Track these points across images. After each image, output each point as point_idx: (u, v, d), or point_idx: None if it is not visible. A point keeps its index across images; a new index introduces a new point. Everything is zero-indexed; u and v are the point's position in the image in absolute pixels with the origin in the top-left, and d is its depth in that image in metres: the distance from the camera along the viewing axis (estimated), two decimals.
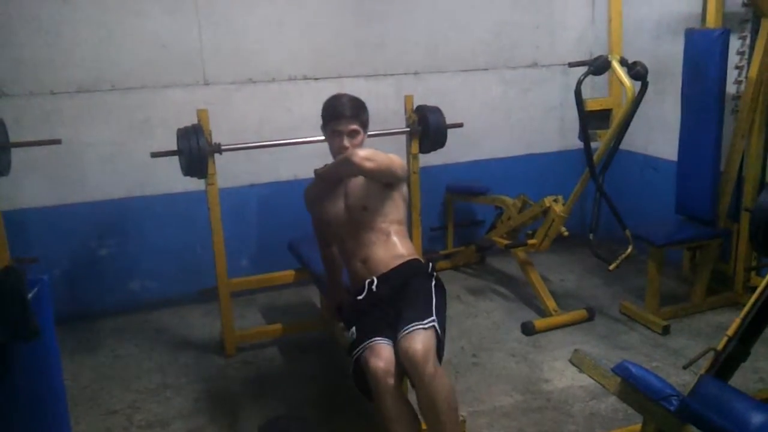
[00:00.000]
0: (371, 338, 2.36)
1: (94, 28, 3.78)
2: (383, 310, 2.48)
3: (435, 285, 2.54)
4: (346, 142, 2.65)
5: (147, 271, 4.18)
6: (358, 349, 2.37)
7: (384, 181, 2.64)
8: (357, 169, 2.54)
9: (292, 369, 3.46)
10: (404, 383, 2.48)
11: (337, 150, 2.69)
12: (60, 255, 3.97)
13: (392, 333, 2.36)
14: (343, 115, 2.66)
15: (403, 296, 2.47)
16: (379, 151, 2.57)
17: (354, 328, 2.44)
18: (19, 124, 3.54)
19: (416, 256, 2.71)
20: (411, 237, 3.68)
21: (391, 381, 2.28)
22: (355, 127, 2.66)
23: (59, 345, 2.29)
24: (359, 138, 2.67)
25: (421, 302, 2.44)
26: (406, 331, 2.29)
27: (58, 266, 3.96)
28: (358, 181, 2.68)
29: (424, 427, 2.43)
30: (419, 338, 2.27)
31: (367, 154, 2.51)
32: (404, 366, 2.28)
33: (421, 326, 2.30)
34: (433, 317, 2.36)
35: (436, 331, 2.33)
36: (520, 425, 2.87)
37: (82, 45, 3.78)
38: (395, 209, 2.70)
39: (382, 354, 2.31)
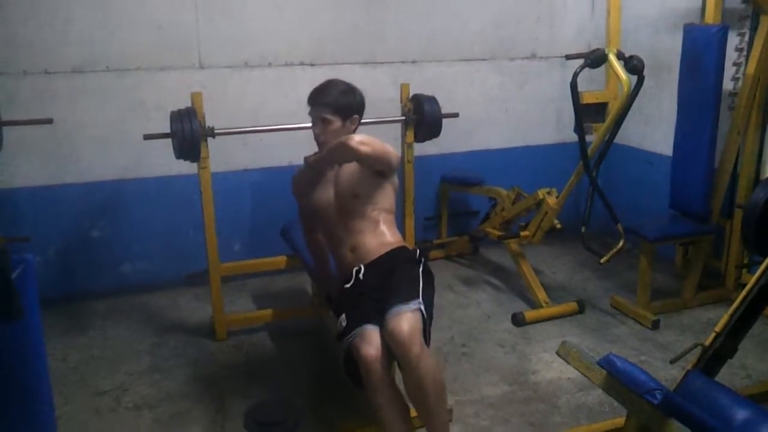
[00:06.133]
0: (361, 325, 2.37)
1: (89, 7, 3.75)
2: (371, 297, 2.48)
3: (422, 271, 2.53)
4: (317, 129, 2.66)
5: (139, 254, 4.17)
6: (348, 337, 2.38)
7: (377, 168, 2.61)
8: (352, 154, 2.50)
9: (282, 354, 3.46)
10: (392, 367, 2.48)
11: (314, 136, 2.69)
12: (52, 235, 3.96)
13: (381, 319, 2.36)
14: (315, 102, 2.66)
15: (389, 282, 2.47)
16: (374, 138, 2.55)
17: (344, 316, 2.45)
18: (12, 103, 3.53)
19: (404, 244, 2.71)
20: (404, 226, 3.70)
21: (382, 368, 2.30)
22: (325, 115, 2.63)
23: (49, 326, 2.30)
24: (332, 127, 2.63)
25: (406, 286, 2.44)
26: (392, 314, 2.30)
27: (50, 246, 3.95)
28: (349, 168, 2.65)
29: (413, 414, 2.44)
30: (404, 318, 2.28)
31: (362, 138, 2.48)
32: (390, 347, 2.29)
33: (406, 308, 2.32)
34: (419, 299, 2.37)
35: (422, 313, 2.34)
36: (507, 415, 2.88)
37: (77, 25, 3.75)
38: (385, 198, 2.68)
39: (372, 341, 2.32)
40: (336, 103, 2.63)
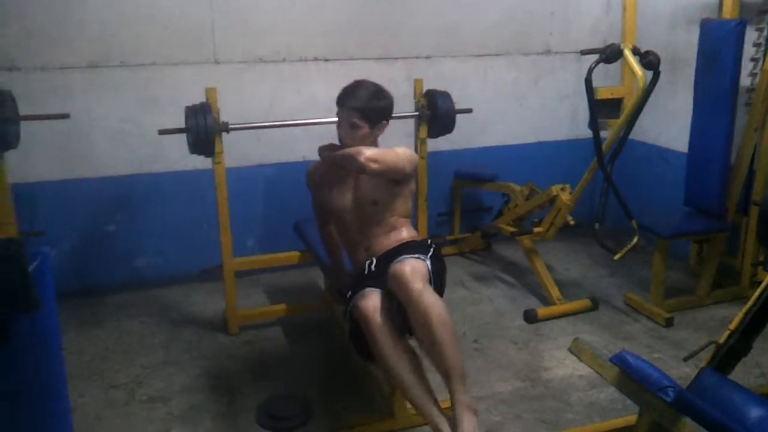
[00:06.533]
0: (363, 289, 2.41)
1: (104, 3, 3.77)
2: (377, 273, 2.51)
3: (432, 254, 2.51)
4: (343, 132, 2.66)
5: (153, 248, 4.20)
6: (351, 303, 2.40)
7: (391, 178, 2.62)
8: (362, 170, 2.51)
9: (294, 349, 3.48)
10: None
11: (339, 136, 2.69)
12: (67, 230, 3.99)
13: (385, 285, 2.39)
14: (344, 104, 2.64)
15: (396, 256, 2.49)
16: (387, 150, 2.55)
17: (350, 293, 2.48)
18: (28, 98, 3.53)
19: (416, 238, 2.72)
20: (417, 222, 3.70)
21: (382, 318, 2.31)
22: (353, 120, 2.61)
23: (64, 319, 2.31)
24: (360, 132, 2.61)
25: (415, 250, 2.48)
26: (395, 262, 2.35)
27: (65, 241, 3.99)
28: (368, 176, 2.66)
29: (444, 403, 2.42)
30: (407, 262, 2.32)
31: (372, 154, 2.47)
32: (394, 291, 2.31)
33: (410, 257, 2.36)
34: (426, 257, 2.41)
35: (428, 268, 2.36)
36: (519, 412, 2.88)
37: (92, 20, 3.77)
38: (403, 203, 2.70)
39: (371, 296, 2.36)
40: (365, 108, 2.61)
